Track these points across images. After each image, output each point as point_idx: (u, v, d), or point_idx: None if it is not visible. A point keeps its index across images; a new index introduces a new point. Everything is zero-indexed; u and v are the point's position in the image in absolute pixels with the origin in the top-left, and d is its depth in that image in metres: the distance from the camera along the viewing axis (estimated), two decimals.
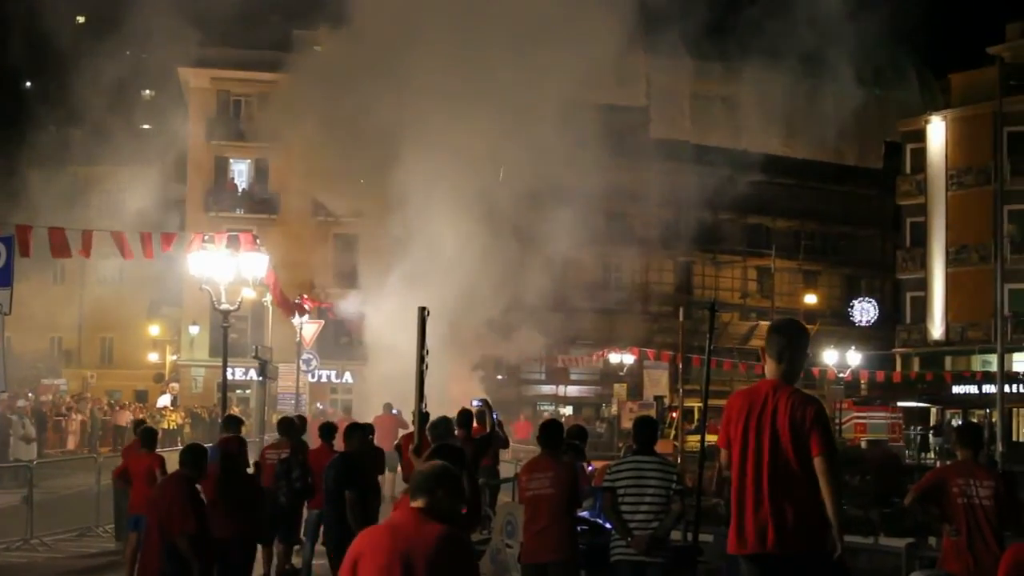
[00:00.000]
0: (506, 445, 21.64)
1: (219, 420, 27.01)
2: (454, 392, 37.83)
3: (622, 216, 63.58)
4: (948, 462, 18.18)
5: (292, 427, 17.75)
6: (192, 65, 65.48)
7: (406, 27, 47.15)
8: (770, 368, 8.16)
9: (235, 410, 54.53)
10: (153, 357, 79.11)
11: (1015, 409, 55.52)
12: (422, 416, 14.02)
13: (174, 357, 73.95)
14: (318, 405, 55.06)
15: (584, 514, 12.97)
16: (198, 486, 12.42)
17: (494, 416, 19.99)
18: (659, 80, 69.21)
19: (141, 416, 45.97)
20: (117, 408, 55.53)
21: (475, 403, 20.37)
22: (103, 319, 72.63)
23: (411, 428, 18.57)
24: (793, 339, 8.22)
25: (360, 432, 14.80)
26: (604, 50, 47.48)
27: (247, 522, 13.48)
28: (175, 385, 67.27)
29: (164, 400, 62.24)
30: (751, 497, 7.87)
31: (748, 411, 7.99)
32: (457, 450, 9.15)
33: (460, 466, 8.55)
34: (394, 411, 31.69)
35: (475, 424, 18.78)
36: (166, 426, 51.92)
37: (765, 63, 70.51)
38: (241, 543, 13.48)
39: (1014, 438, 54.11)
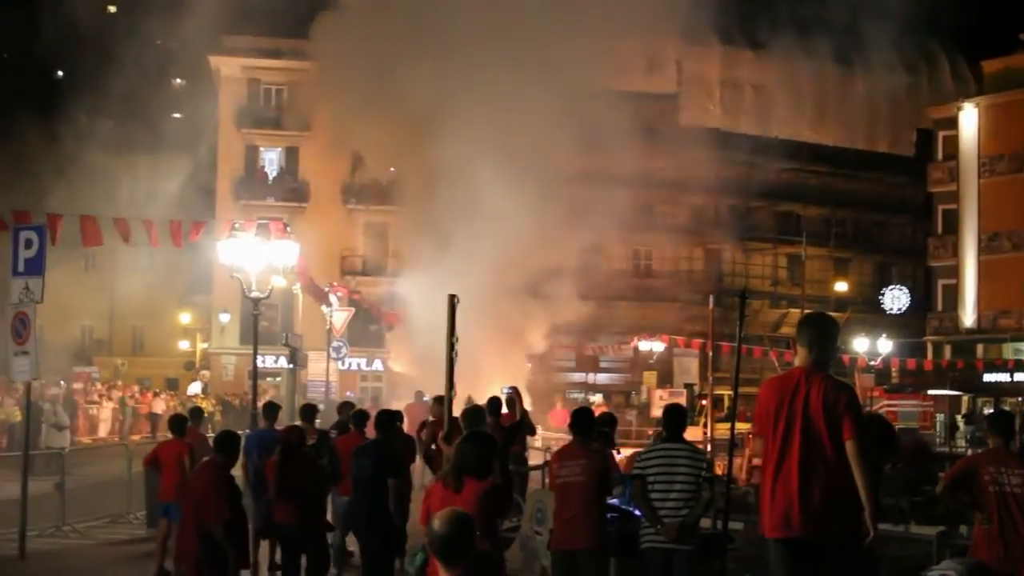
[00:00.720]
0: (533, 432, 21.43)
1: (250, 408, 27.11)
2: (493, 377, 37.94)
3: (652, 204, 63.33)
4: (979, 450, 18.02)
5: (314, 414, 17.62)
6: (222, 53, 65.73)
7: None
8: (801, 356, 8.39)
9: (271, 393, 55.01)
10: (184, 345, 79.35)
11: None
12: (449, 403, 14.19)
13: (205, 345, 74.12)
14: (348, 394, 55.01)
15: (614, 501, 12.95)
16: (239, 472, 12.63)
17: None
18: (689, 67, 69.01)
19: (177, 408, 46.05)
20: (153, 395, 55.73)
21: (505, 390, 20.23)
22: (134, 307, 72.79)
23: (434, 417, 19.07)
24: (822, 328, 8.52)
25: (395, 419, 14.88)
26: (635, 36, 47.31)
27: (309, 509, 13.96)
28: (206, 373, 67.23)
29: (195, 388, 62.06)
30: (783, 481, 8.00)
31: (781, 397, 8.15)
32: (488, 437, 9.26)
33: (491, 453, 9.01)
34: (425, 398, 31.59)
35: (505, 411, 18.67)
36: None
37: (795, 50, 70.37)
38: (302, 530, 13.89)
39: None
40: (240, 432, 14.81)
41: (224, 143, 66.86)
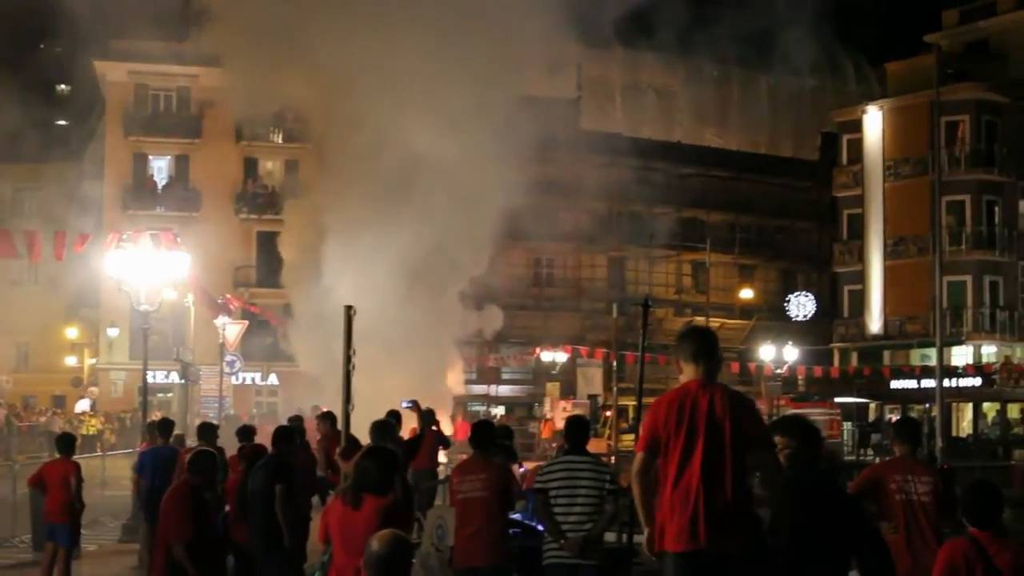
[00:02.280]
0: (447, 445, 22.56)
1: (141, 425, 26.18)
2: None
3: (553, 210, 62.33)
4: (886, 458, 17.57)
5: (213, 432, 17.56)
6: (109, 58, 64.24)
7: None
8: (689, 371, 8.29)
9: (156, 415, 53.76)
10: (71, 361, 77.56)
11: (954, 404, 54.95)
12: (347, 417, 14.43)
13: (93, 361, 72.40)
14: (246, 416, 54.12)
15: (516, 516, 13.15)
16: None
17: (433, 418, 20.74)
18: (590, 71, 68.32)
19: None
20: (51, 414, 54.55)
21: (404, 404, 19.98)
22: (17, 322, 70.61)
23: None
24: (705, 340, 8.54)
25: (291, 434, 14.80)
26: (534, 40, 46.45)
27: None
28: (94, 389, 66.25)
29: (83, 405, 61.59)
30: (684, 494, 7.90)
31: (679, 411, 8.01)
32: (390, 453, 9.12)
33: (393, 469, 8.88)
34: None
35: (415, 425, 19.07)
36: (85, 432, 50.85)
37: (698, 53, 69.90)
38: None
39: (953, 433, 53.71)
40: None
41: (111, 151, 65.30)
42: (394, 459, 9.03)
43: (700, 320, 61.30)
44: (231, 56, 50.63)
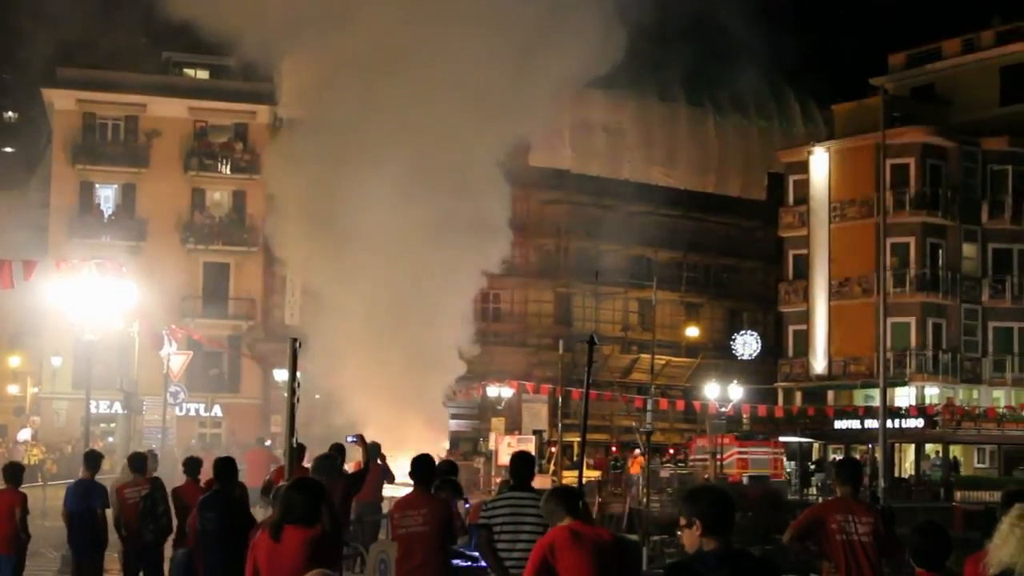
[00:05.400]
0: (392, 480, 22.26)
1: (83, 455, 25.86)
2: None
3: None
4: (828, 499, 17.60)
5: (145, 463, 17.24)
6: (56, 86, 63.73)
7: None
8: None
9: (99, 445, 53.30)
10: (13, 389, 76.80)
11: (897, 444, 55.20)
12: (292, 451, 13.73)
13: (35, 390, 71.66)
14: (192, 441, 53.78)
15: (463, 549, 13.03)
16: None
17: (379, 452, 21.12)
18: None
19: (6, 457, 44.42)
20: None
21: (349, 439, 19.82)
22: None
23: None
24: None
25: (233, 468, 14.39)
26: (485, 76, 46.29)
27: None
28: (36, 419, 65.40)
29: (24, 434, 60.57)
30: None
31: None
32: (316, 484, 9.06)
33: (319, 500, 8.78)
34: (267, 443, 31.23)
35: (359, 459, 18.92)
36: (27, 461, 50.10)
37: (647, 91, 70.17)
38: None
39: (896, 474, 53.92)
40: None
41: (57, 179, 64.69)
42: (320, 490, 8.95)
43: (645, 357, 61.34)
44: None
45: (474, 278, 47.26)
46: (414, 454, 16.40)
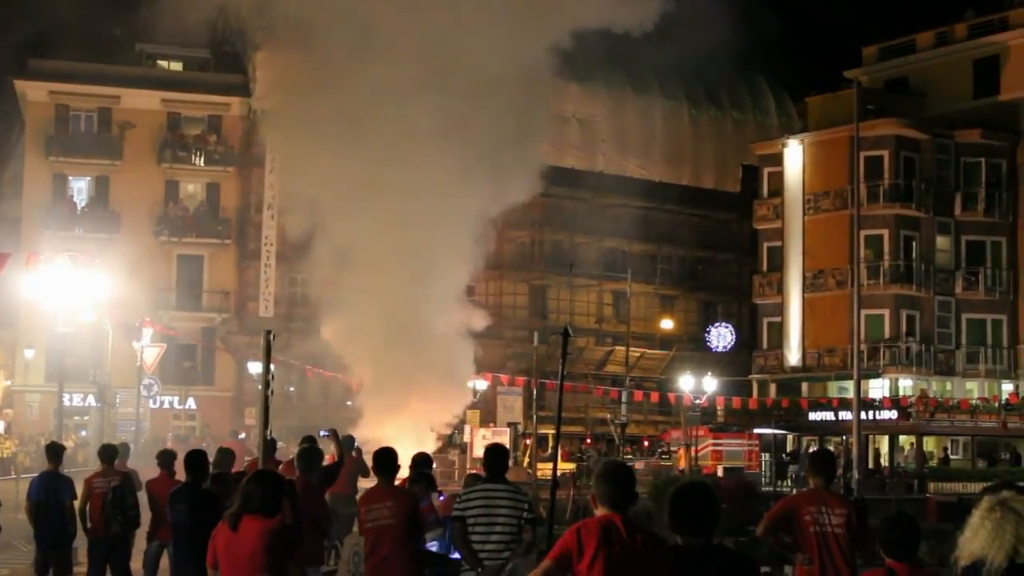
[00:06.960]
0: (367, 473, 21.77)
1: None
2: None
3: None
4: (801, 490, 17.64)
5: (115, 454, 17.13)
6: (29, 77, 63.41)
7: None
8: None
9: (72, 438, 53.17)
10: None
11: (871, 436, 55.35)
12: (266, 444, 13.78)
13: (8, 382, 71.24)
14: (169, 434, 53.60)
15: (434, 544, 13.11)
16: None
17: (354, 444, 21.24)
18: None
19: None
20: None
21: (322, 433, 19.78)
22: None
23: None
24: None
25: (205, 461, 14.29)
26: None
27: None
28: (9, 411, 65.01)
29: None
30: None
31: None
32: (276, 476, 9.22)
33: (279, 491, 8.88)
34: (240, 436, 31.13)
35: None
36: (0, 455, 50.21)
37: (621, 84, 70.16)
38: None
39: (870, 465, 54.08)
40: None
41: (30, 171, 64.44)
42: (281, 482, 9.03)
43: (620, 349, 61.43)
44: None
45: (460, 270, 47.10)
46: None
